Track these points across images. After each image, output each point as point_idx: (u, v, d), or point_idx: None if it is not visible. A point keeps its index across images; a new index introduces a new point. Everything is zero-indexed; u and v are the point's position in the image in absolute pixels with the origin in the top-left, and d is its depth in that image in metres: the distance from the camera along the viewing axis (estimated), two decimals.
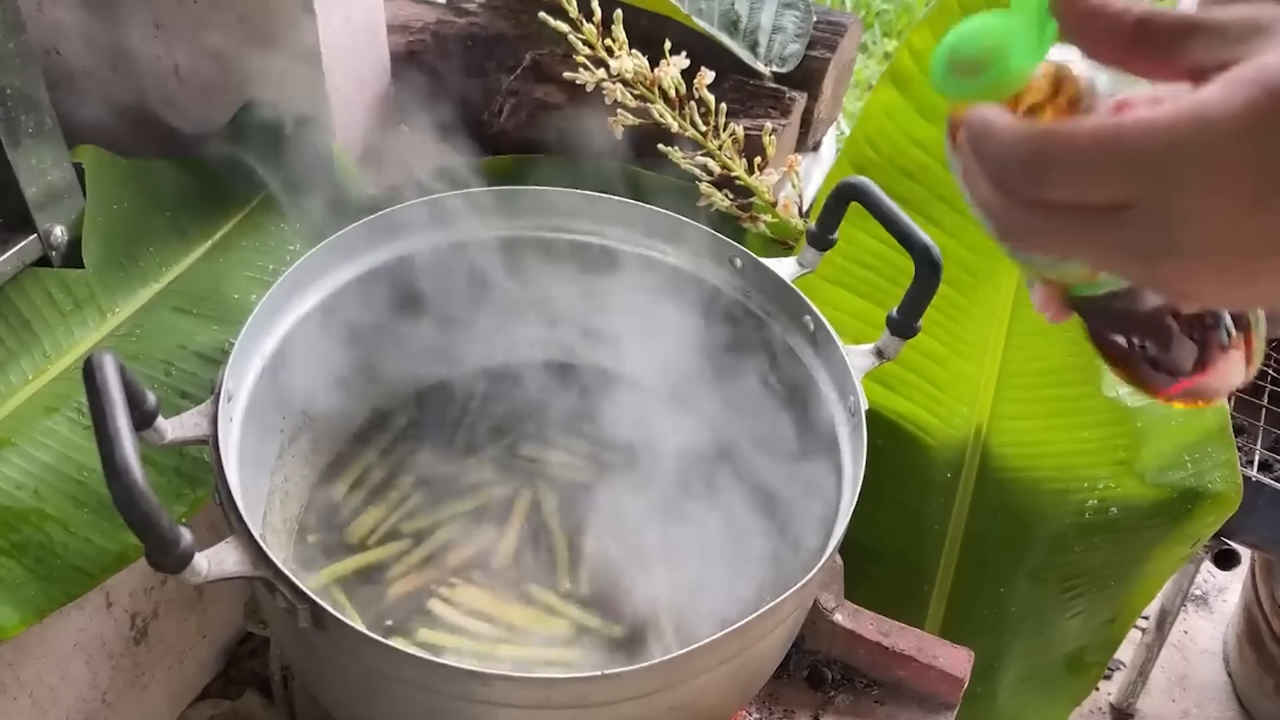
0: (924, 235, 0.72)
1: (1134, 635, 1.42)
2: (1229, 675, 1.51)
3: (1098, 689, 1.48)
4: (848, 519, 0.67)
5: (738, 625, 0.60)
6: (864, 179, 0.76)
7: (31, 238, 0.88)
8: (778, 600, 0.62)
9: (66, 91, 1.13)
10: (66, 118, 0.88)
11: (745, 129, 1.01)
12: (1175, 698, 1.49)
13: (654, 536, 0.85)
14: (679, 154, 0.99)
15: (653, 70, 0.97)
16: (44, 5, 1.07)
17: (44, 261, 0.90)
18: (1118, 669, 1.50)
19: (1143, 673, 1.39)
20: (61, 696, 0.95)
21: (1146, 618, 1.33)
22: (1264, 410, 1.12)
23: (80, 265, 0.91)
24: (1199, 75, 0.34)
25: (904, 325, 0.75)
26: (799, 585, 0.63)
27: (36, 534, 0.79)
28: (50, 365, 0.86)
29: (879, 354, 0.77)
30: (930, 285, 0.73)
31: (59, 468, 0.82)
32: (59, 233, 0.89)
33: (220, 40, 1.03)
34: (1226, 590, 1.62)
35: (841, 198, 0.78)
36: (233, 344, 0.71)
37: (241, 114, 1.05)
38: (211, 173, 1.03)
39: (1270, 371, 1.16)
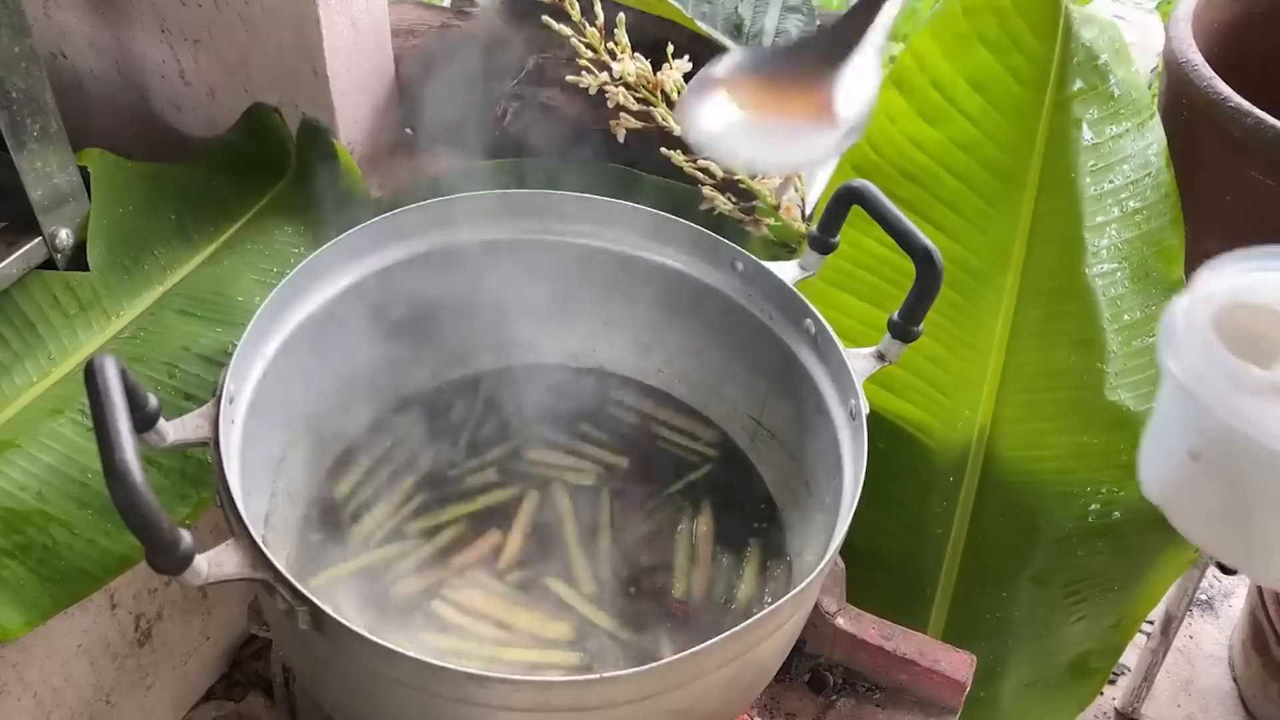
0: (924, 238, 0.71)
1: (1139, 640, 1.41)
2: (1234, 681, 1.50)
3: (1102, 694, 1.48)
4: (848, 523, 0.67)
5: (736, 629, 0.60)
6: (864, 182, 0.76)
7: (37, 240, 0.88)
8: (776, 604, 0.62)
9: (72, 95, 1.13)
10: (72, 121, 0.89)
11: None
12: (1180, 703, 1.48)
13: (657, 539, 0.85)
14: (681, 157, 0.99)
15: (655, 74, 0.98)
16: (50, 9, 1.07)
17: (49, 264, 0.90)
18: (1123, 674, 1.49)
19: (1148, 678, 1.38)
20: (65, 698, 0.95)
21: (1152, 622, 1.33)
22: None
23: (85, 268, 0.91)
24: None
25: (905, 329, 0.75)
26: (798, 590, 0.63)
27: (40, 535, 0.79)
28: (55, 368, 0.87)
29: (880, 357, 0.77)
30: (931, 288, 0.73)
31: (63, 469, 0.82)
32: (64, 236, 0.90)
33: (225, 44, 1.03)
34: (1232, 595, 1.62)
35: (842, 201, 0.78)
36: (236, 346, 0.71)
37: (246, 117, 1.06)
38: (216, 176, 1.03)
39: None
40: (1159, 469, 0.54)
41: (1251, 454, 0.47)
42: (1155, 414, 0.54)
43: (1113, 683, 1.50)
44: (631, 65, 0.97)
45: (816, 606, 0.84)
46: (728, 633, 0.59)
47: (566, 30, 0.98)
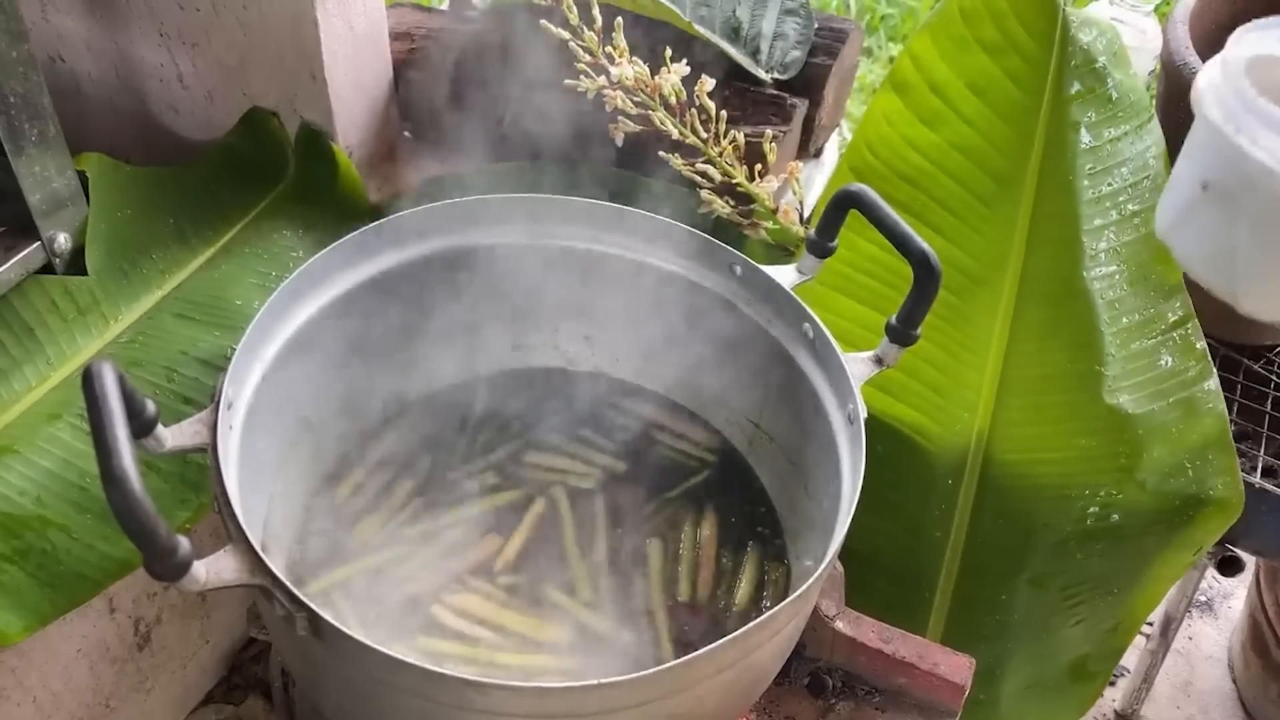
0: (922, 242, 0.71)
1: (1138, 641, 1.41)
2: (1234, 682, 1.50)
3: (1101, 695, 1.47)
4: (846, 526, 0.67)
5: (734, 635, 0.60)
6: (862, 186, 0.76)
7: (35, 245, 0.88)
8: (775, 609, 0.62)
9: (70, 99, 1.13)
10: (70, 125, 0.89)
11: (746, 136, 1.01)
12: (1180, 704, 1.48)
13: (655, 544, 0.85)
14: (680, 161, 0.99)
15: (653, 77, 0.98)
16: (48, 13, 1.07)
17: (48, 269, 0.90)
18: (1122, 675, 1.49)
19: (1147, 679, 1.38)
20: (65, 702, 0.95)
21: (1151, 624, 1.33)
22: (1267, 417, 1.12)
23: (84, 272, 0.91)
24: None
25: (903, 333, 0.75)
26: (796, 595, 0.63)
27: (39, 540, 0.79)
28: (53, 372, 0.87)
29: (878, 361, 0.77)
30: (929, 292, 0.73)
31: (61, 474, 0.82)
32: (63, 240, 0.90)
33: (223, 48, 1.03)
34: (1231, 596, 1.62)
35: (840, 205, 0.78)
36: (234, 350, 0.71)
37: (245, 121, 1.06)
38: (215, 179, 1.03)
39: (1274, 378, 1.15)
40: (1170, 205, 0.63)
41: (1256, 180, 0.53)
42: (1179, 160, 0.62)
43: (1112, 684, 1.49)
44: (630, 69, 0.97)
45: (816, 610, 0.84)
46: (727, 637, 0.59)
47: (564, 34, 0.98)
